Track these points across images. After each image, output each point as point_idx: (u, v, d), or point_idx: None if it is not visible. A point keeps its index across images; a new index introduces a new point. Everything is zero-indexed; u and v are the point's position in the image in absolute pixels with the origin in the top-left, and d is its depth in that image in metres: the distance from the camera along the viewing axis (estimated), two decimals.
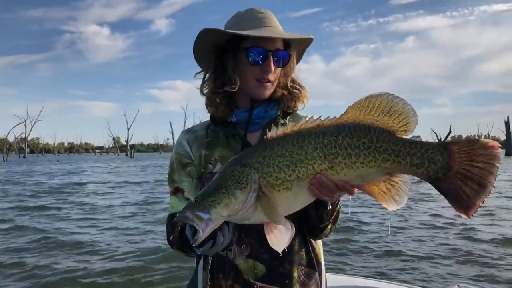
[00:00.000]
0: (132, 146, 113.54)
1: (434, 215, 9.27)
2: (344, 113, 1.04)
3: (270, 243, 1.09)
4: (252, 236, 1.32)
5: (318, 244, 1.46)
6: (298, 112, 1.50)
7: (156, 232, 8.12)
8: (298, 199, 1.07)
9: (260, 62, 1.34)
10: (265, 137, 1.09)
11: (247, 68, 1.36)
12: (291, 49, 1.41)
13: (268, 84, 1.37)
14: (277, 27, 1.39)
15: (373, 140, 1.01)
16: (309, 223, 1.31)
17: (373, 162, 1.01)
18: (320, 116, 1.05)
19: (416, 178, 1.04)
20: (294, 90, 1.45)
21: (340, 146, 1.02)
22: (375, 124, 1.02)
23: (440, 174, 0.99)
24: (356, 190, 1.06)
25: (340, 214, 1.34)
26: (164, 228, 1.46)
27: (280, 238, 1.09)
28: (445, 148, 0.99)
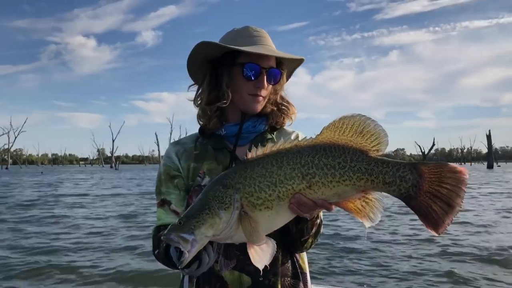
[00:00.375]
0: (117, 157, 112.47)
1: (419, 228, 9.32)
2: (320, 133, 1.09)
3: (252, 260, 1.11)
4: (238, 248, 1.33)
5: (302, 255, 1.48)
6: (285, 127, 1.54)
7: (136, 247, 8.02)
8: (279, 217, 1.11)
9: (254, 78, 1.38)
10: (245, 157, 1.12)
11: (241, 83, 1.39)
12: (282, 68, 1.46)
13: (260, 98, 1.41)
14: (271, 46, 1.44)
15: (347, 160, 1.06)
16: (290, 236, 1.34)
17: (348, 181, 1.06)
18: (298, 135, 1.08)
19: (390, 196, 1.08)
20: (283, 107, 1.49)
21: (317, 166, 1.07)
22: (349, 144, 1.07)
23: (411, 192, 1.03)
24: (334, 206, 1.10)
25: (321, 228, 1.37)
26: (151, 241, 1.46)
27: (261, 255, 1.11)
28: (415, 167, 1.03)
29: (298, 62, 1.51)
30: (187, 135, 1.58)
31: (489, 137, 71.08)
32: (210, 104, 1.42)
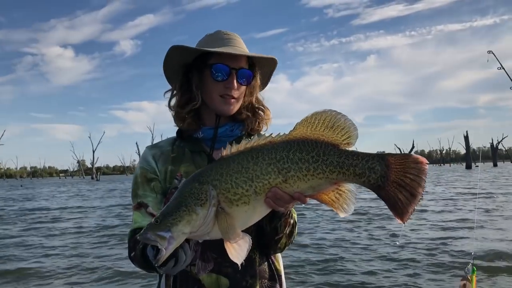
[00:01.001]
0: (98, 168, 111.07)
1: (393, 233, 9.37)
2: (293, 129, 1.12)
3: (230, 255, 1.12)
4: (215, 251, 1.35)
5: (278, 258, 1.51)
6: (262, 133, 1.55)
7: (114, 255, 7.93)
8: (255, 212, 1.13)
9: (224, 79, 1.39)
10: (220, 154, 1.14)
11: (211, 84, 1.40)
12: (255, 70, 1.47)
13: (232, 100, 1.42)
14: (242, 48, 1.45)
15: (320, 154, 1.09)
16: (264, 235, 1.35)
17: (321, 174, 1.09)
18: (272, 134, 1.13)
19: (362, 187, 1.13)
20: (259, 111, 1.51)
21: (291, 160, 1.10)
22: (321, 138, 1.11)
23: (380, 182, 1.08)
24: (308, 199, 1.13)
25: (295, 230, 1.40)
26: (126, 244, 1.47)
27: (239, 250, 1.12)
28: (383, 159, 1.08)
29: (272, 64, 1.52)
30: (164, 139, 1.59)
31: (466, 138, 72.40)
32: (182, 107, 1.45)
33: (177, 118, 1.48)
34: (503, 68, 16.53)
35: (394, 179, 1.06)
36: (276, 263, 1.48)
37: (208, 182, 1.10)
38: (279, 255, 1.51)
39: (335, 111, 1.11)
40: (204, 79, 1.42)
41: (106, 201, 22.20)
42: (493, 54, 16.49)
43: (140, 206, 1.42)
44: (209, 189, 1.09)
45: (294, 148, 1.10)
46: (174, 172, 1.44)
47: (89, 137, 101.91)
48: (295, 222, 1.38)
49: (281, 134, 1.13)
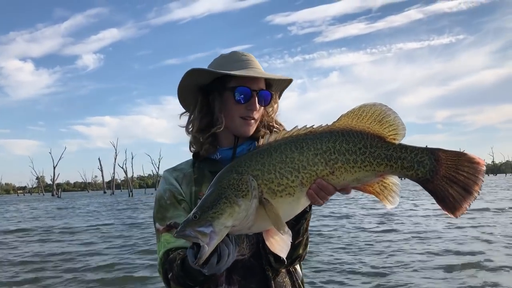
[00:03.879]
0: (59, 185, 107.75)
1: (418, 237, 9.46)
2: (337, 120, 1.11)
3: (273, 250, 1.12)
4: (238, 273, 1.35)
5: (299, 272, 1.51)
6: None
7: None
8: (298, 204, 1.11)
9: (245, 101, 1.39)
10: (257, 143, 1.14)
11: (233, 107, 1.41)
12: (272, 89, 1.49)
13: (252, 121, 1.43)
14: (260, 69, 1.46)
15: (367, 146, 1.09)
16: None
17: (368, 166, 1.09)
18: (313, 125, 1.11)
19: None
20: (274, 130, 1.49)
21: (338, 152, 1.08)
22: (366, 130, 1.10)
23: (428, 176, 1.08)
24: (351, 190, 1.15)
25: (308, 242, 1.40)
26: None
27: (282, 243, 1.11)
28: (433, 153, 1.08)
29: (286, 83, 1.54)
30: (182, 162, 1.58)
31: None
32: (202, 131, 1.45)
33: (195, 143, 1.48)
34: None
35: (444, 174, 1.07)
36: (299, 277, 1.50)
37: (247, 173, 1.06)
38: (298, 270, 1.52)
39: (385, 106, 1.10)
40: (225, 101, 1.42)
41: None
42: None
43: (171, 227, 1.38)
44: (249, 180, 1.05)
45: (340, 139, 1.08)
46: (197, 192, 1.44)
47: (50, 153, 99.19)
48: (307, 237, 1.38)
49: (323, 125, 1.12)
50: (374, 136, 1.10)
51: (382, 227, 11.87)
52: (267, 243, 1.12)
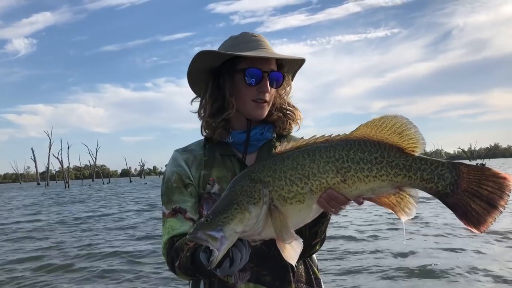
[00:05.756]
0: None
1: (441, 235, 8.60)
2: (355, 129, 1.09)
3: (283, 256, 1.10)
4: (252, 260, 1.28)
5: (314, 261, 1.49)
6: (292, 134, 1.53)
7: None
8: (309, 212, 1.10)
9: (256, 83, 1.35)
10: (274, 151, 1.12)
11: (244, 89, 1.37)
12: (284, 70, 1.44)
13: (264, 104, 1.39)
14: (271, 49, 1.42)
15: (384, 155, 1.06)
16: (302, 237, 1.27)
17: (385, 176, 1.05)
18: (331, 134, 1.11)
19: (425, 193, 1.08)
20: (288, 112, 1.47)
21: (352, 160, 1.06)
22: (384, 141, 1.07)
23: (449, 190, 1.04)
24: (363, 201, 1.10)
25: (325, 236, 1.37)
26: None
27: (291, 251, 1.10)
28: (455, 167, 1.05)
29: (298, 65, 1.49)
30: (193, 142, 1.53)
31: None
32: (214, 116, 1.41)
33: (208, 128, 1.44)
34: None
35: (466, 188, 1.04)
36: (314, 265, 1.47)
37: (260, 180, 1.07)
38: (314, 258, 1.50)
39: (407, 119, 1.07)
40: (236, 84, 1.38)
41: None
42: None
43: (176, 212, 1.37)
44: (261, 187, 1.06)
45: (354, 147, 1.06)
46: (207, 176, 1.41)
47: None
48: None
49: (341, 134, 1.10)
50: (392, 146, 1.07)
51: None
52: (279, 248, 1.10)
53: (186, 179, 1.41)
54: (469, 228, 1.05)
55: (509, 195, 1.03)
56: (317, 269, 1.48)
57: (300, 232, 1.20)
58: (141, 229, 11.34)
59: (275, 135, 1.48)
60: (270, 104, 1.43)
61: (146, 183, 62.14)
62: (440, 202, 1.09)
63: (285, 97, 1.48)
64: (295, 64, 1.48)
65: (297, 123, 1.50)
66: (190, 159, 1.45)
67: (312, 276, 1.44)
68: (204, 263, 1.08)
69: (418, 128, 1.07)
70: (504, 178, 1.03)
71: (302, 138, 1.12)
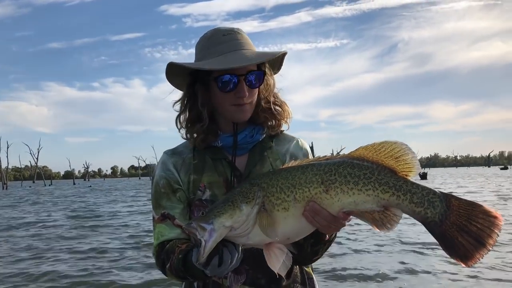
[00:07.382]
0: None
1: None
2: (354, 151, 1.12)
3: (268, 264, 1.12)
4: (247, 263, 1.31)
5: None
6: (285, 133, 1.49)
7: None
8: (295, 222, 1.11)
9: (232, 89, 1.28)
10: (282, 166, 1.18)
11: (221, 97, 1.30)
12: (265, 66, 1.36)
13: (245, 106, 1.32)
14: (245, 47, 1.31)
15: (374, 173, 1.07)
16: (303, 254, 1.29)
17: (371, 191, 1.06)
18: (301, 146, 1.17)
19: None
20: (275, 108, 1.40)
21: (340, 174, 1.08)
22: (379, 162, 1.09)
23: (437, 219, 1.04)
24: (349, 218, 1.10)
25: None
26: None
27: (275, 259, 1.13)
28: (446, 198, 1.05)
29: (281, 55, 1.39)
30: (181, 143, 1.47)
31: (312, 149, 78.74)
32: (191, 126, 1.37)
33: (189, 138, 1.41)
34: None
35: (455, 221, 1.03)
36: (308, 266, 1.46)
37: (258, 184, 1.13)
38: None
39: (406, 145, 1.09)
40: (212, 90, 1.32)
41: None
42: None
43: (165, 217, 1.36)
44: (257, 190, 1.12)
45: (346, 163, 1.09)
46: (197, 181, 1.37)
47: None
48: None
49: (341, 154, 1.15)
50: (385, 167, 1.08)
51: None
52: (265, 255, 1.13)
53: (175, 184, 1.38)
54: (454, 260, 1.04)
55: (498, 235, 1.02)
56: (312, 269, 1.48)
57: (301, 247, 1.26)
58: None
59: (265, 136, 1.43)
60: (254, 104, 1.36)
61: (90, 186, 60.44)
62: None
63: (269, 93, 1.40)
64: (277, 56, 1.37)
65: (286, 121, 1.44)
66: (179, 163, 1.41)
67: (306, 276, 1.43)
68: (194, 261, 1.09)
69: (416, 155, 1.09)
70: (495, 217, 1.02)
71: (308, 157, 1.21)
